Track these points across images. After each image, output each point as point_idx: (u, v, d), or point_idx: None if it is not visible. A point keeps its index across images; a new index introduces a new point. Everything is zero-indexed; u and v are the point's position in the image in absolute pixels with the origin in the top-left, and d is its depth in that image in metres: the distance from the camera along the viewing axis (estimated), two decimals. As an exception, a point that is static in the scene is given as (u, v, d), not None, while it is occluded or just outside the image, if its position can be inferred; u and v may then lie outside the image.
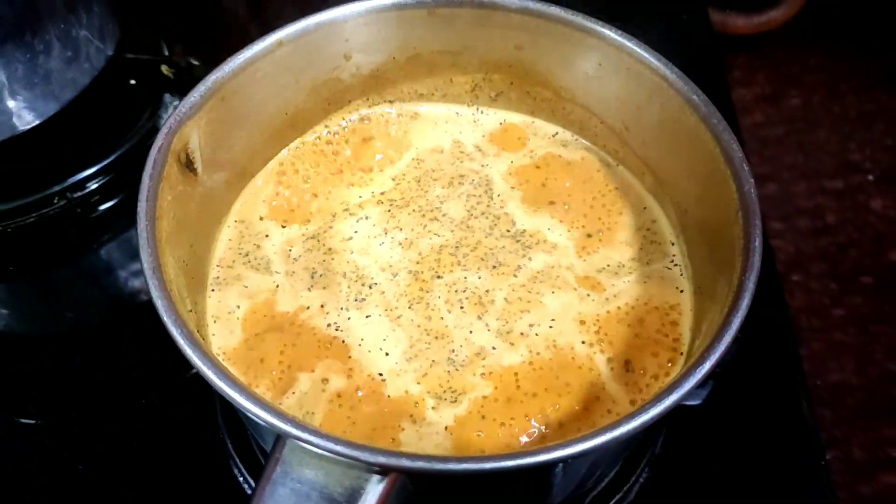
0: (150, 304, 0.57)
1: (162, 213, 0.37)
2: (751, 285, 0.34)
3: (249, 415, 0.30)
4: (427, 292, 0.43)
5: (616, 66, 0.45)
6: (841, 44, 0.92)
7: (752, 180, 0.38)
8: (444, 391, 0.39)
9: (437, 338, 0.41)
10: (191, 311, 0.38)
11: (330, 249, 0.45)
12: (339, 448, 0.29)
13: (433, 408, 0.38)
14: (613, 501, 0.45)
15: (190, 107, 0.40)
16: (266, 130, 0.47)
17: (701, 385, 0.39)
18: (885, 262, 0.74)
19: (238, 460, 0.47)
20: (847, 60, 0.91)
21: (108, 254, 0.62)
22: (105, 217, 0.61)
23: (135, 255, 0.61)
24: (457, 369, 0.40)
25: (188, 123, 0.40)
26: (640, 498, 0.46)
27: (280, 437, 0.31)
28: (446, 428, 0.38)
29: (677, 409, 0.47)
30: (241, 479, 0.47)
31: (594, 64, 0.46)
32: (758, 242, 0.35)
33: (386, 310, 0.42)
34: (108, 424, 0.50)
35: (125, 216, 0.62)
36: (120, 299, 0.59)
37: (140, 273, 0.59)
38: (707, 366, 0.32)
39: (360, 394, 0.39)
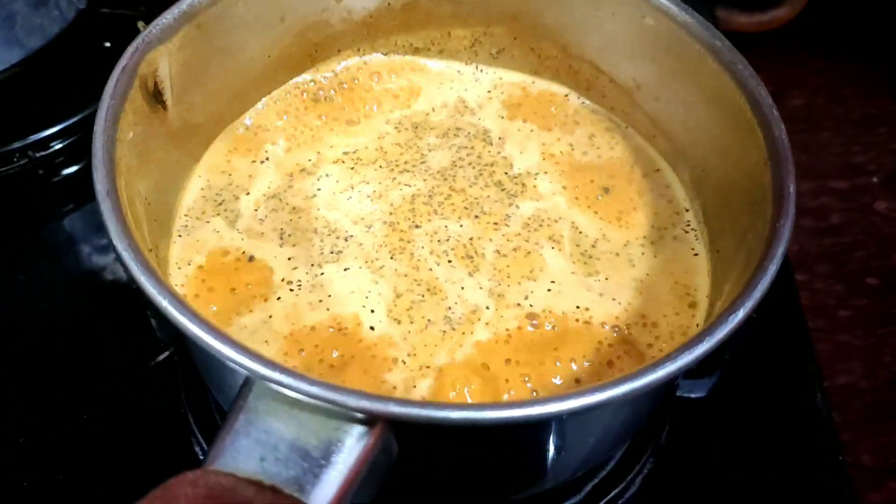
0: (114, 283, 0.54)
1: (122, 137, 0.33)
2: (786, 232, 0.30)
3: (211, 351, 0.26)
4: (408, 242, 0.39)
5: (631, 15, 0.42)
6: (842, 47, 0.90)
7: (783, 126, 0.34)
8: (436, 350, 0.35)
9: (429, 290, 0.37)
10: (151, 250, 0.33)
11: (294, 208, 0.41)
12: (313, 389, 0.25)
13: (421, 368, 0.34)
14: (617, 490, 0.41)
15: (161, 29, 0.36)
16: (247, 74, 0.43)
17: (709, 374, 0.36)
18: (891, 265, 0.71)
19: (200, 436, 0.42)
20: (849, 64, 0.89)
21: (72, 224, 0.57)
22: (69, 182, 0.56)
23: (101, 228, 0.56)
24: (453, 328, 0.35)
25: (159, 48, 0.36)
26: (644, 488, 0.42)
27: (247, 382, 0.26)
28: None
29: (682, 401, 0.43)
30: (202, 456, 0.42)
31: (607, 13, 0.42)
32: (792, 188, 0.32)
33: (366, 261, 0.38)
34: (61, 402, 0.46)
35: (91, 183, 0.58)
36: (82, 274, 0.55)
37: (106, 248, 0.55)
38: (741, 314, 0.28)
39: (335, 354, 0.35)
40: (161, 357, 0.48)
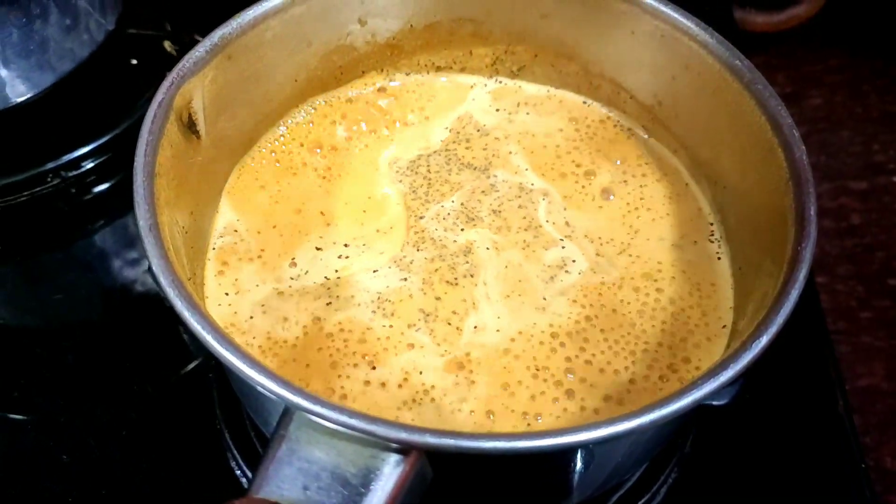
0: (145, 295, 0.55)
1: (161, 171, 0.34)
2: (807, 255, 0.31)
3: (254, 384, 0.27)
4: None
5: (650, 34, 0.42)
6: (861, 44, 0.90)
7: (804, 147, 0.35)
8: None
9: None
10: (190, 279, 0.35)
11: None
12: (353, 422, 0.26)
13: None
14: (642, 501, 0.42)
15: (194, 62, 0.37)
16: (274, 98, 0.44)
17: (731, 383, 0.36)
18: (913, 265, 0.71)
19: (236, 452, 0.44)
20: (868, 61, 0.89)
21: (103, 239, 0.58)
22: (100, 199, 0.58)
23: (131, 243, 0.58)
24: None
25: (192, 80, 0.37)
26: (669, 497, 0.43)
27: (287, 412, 0.28)
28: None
29: (705, 408, 0.44)
30: (238, 472, 0.43)
31: (626, 32, 0.43)
32: (813, 211, 0.32)
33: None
34: (100, 417, 0.47)
35: (121, 200, 0.59)
36: (114, 288, 0.56)
37: (136, 262, 0.56)
38: (764, 340, 0.28)
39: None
40: (192, 365, 0.49)
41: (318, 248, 0.41)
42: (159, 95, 0.35)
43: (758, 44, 0.88)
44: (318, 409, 0.26)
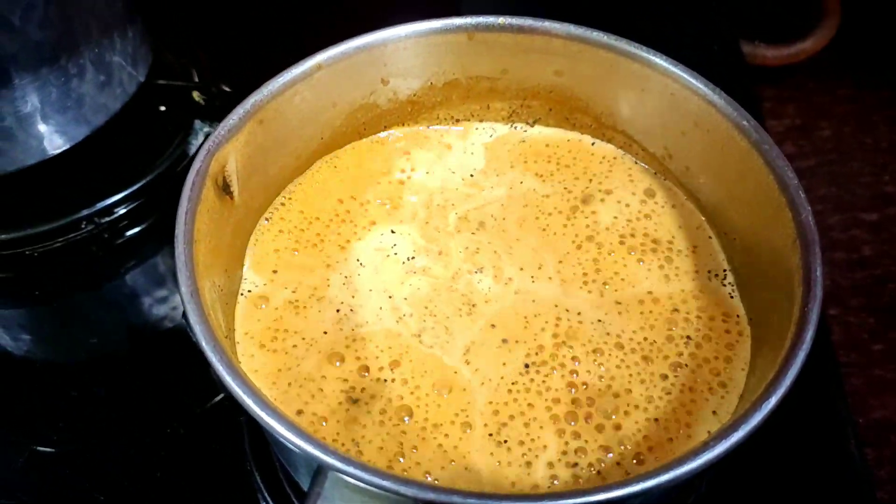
0: (174, 331, 0.57)
1: (200, 237, 0.36)
2: (814, 317, 0.32)
3: (291, 446, 0.29)
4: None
5: (660, 92, 0.44)
6: (870, 76, 0.91)
7: (809, 207, 0.37)
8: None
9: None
10: (227, 336, 0.37)
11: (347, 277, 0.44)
12: (385, 483, 0.28)
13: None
14: (659, 543, 0.43)
15: (229, 129, 0.39)
16: (302, 155, 0.46)
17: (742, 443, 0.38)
18: (924, 297, 0.72)
19: (266, 493, 0.45)
20: (877, 92, 0.90)
21: (134, 280, 0.61)
22: (132, 243, 0.60)
23: (161, 282, 0.60)
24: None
25: (226, 146, 0.39)
26: (686, 539, 0.44)
27: (321, 470, 0.29)
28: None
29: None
30: (269, 513, 0.45)
31: (637, 90, 0.45)
32: (819, 272, 0.34)
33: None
34: (130, 454, 0.49)
35: (152, 242, 0.61)
36: (145, 326, 0.58)
37: (165, 300, 0.58)
38: (773, 401, 0.30)
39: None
40: (218, 398, 0.51)
41: (340, 294, 0.43)
42: (196, 163, 0.37)
43: (767, 77, 0.90)
44: (350, 469, 0.28)
